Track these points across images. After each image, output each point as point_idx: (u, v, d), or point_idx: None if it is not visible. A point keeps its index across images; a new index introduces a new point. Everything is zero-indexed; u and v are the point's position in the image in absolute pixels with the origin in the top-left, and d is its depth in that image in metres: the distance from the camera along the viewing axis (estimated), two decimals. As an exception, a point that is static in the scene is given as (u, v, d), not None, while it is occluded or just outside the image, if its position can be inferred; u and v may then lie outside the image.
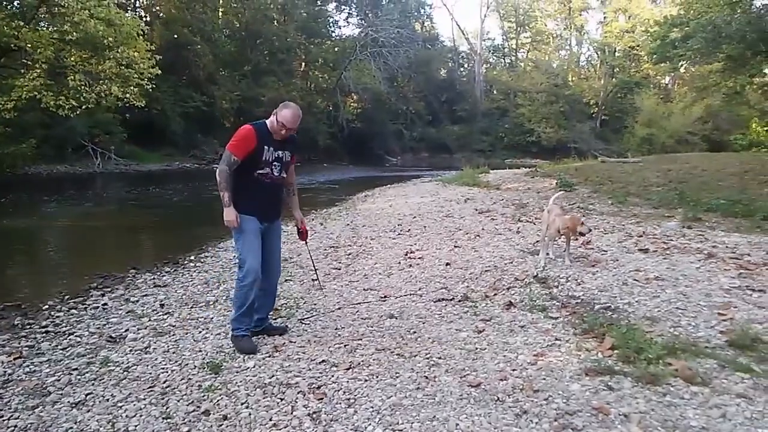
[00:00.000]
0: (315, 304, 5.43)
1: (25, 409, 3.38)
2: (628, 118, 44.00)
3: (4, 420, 3.25)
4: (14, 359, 4.19)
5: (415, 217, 10.94)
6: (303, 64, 45.54)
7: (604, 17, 55.05)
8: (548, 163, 27.31)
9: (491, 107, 56.29)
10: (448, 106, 55.77)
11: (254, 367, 3.92)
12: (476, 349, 4.08)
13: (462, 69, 63.46)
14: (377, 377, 3.66)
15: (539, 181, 16.77)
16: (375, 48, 41.89)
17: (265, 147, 4.20)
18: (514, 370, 3.67)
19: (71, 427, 3.16)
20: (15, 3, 20.06)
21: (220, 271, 7.10)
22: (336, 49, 46.32)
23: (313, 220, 11.74)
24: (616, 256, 6.52)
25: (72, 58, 19.02)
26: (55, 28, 18.88)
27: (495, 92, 59.65)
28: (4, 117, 16.83)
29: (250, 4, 38.51)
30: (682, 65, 23.57)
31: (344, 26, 55.33)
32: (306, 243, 4.85)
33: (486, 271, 6.31)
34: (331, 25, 49.47)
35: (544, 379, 3.52)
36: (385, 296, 5.61)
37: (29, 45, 17.58)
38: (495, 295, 5.41)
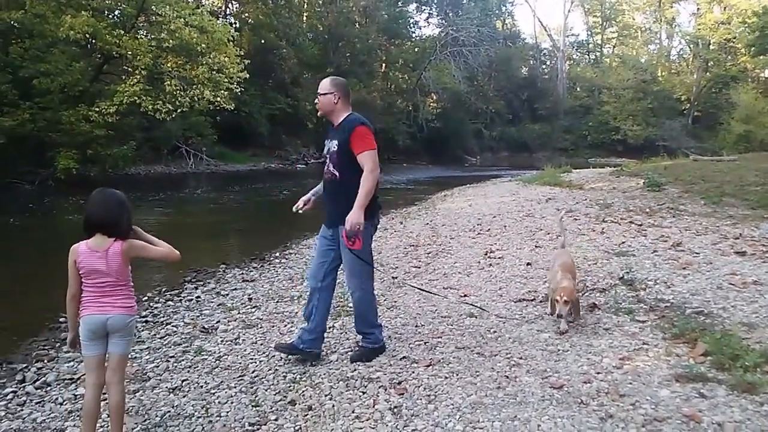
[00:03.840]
0: (395, 301, 5.50)
1: (127, 393, 3.63)
2: (724, 114, 41.43)
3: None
4: (118, 346, 4.51)
5: (494, 216, 10.83)
6: (383, 65, 45.93)
7: (698, 8, 52.33)
8: (635, 162, 26.18)
9: (574, 105, 54.76)
10: (528, 105, 54.76)
11: (337, 360, 4.03)
12: (558, 350, 4.02)
13: (544, 66, 62.13)
14: (457, 375, 3.68)
15: (625, 181, 16.12)
16: (455, 47, 41.67)
17: (326, 140, 3.98)
18: (598, 373, 3.59)
19: (169, 411, 3.38)
20: (116, 12, 21.43)
21: (303, 268, 7.31)
22: (416, 49, 46.44)
23: (393, 219, 11.88)
24: (709, 258, 6.21)
25: (168, 65, 20.22)
26: (152, 36, 20.09)
27: (578, 89, 57.95)
28: (107, 121, 18.03)
29: (333, 7, 39.32)
30: (784, 57, 22.01)
31: (424, 26, 55.41)
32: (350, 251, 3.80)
33: (569, 272, 6.17)
34: (411, 25, 49.66)
35: (631, 383, 3.43)
36: (465, 295, 5.61)
37: (129, 52, 18.76)
38: (578, 296, 5.28)
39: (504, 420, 3.06)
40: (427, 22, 54.34)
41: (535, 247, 7.69)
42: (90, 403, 2.87)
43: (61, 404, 3.55)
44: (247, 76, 21.50)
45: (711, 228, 8.09)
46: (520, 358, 3.92)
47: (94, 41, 19.66)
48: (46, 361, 4.34)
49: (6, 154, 16.40)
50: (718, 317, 4.41)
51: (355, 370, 3.84)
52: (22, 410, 3.50)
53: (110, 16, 21.10)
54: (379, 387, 3.56)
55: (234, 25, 30.69)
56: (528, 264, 6.70)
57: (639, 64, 53.29)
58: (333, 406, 3.35)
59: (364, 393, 3.49)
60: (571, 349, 4.03)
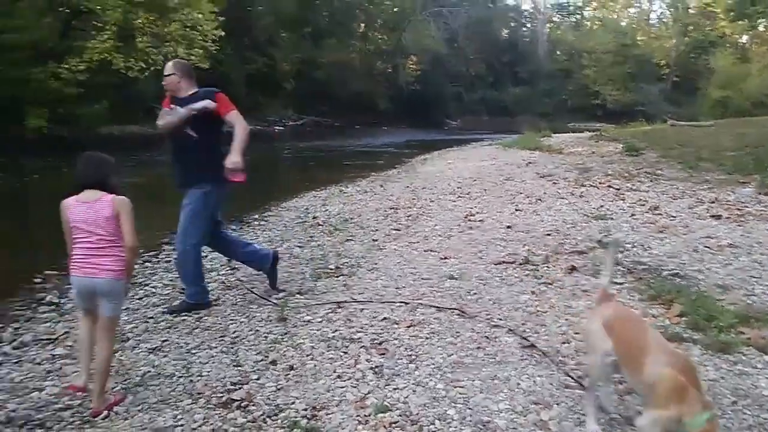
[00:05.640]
0: (376, 264, 5.50)
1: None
2: (702, 79, 41.71)
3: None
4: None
5: (475, 180, 10.85)
6: (362, 25, 45.13)
7: (679, -28, 51.97)
8: (614, 127, 26.35)
9: (554, 68, 54.56)
10: (509, 68, 54.42)
11: (318, 321, 4.03)
12: (537, 311, 4.07)
13: (525, 29, 61.52)
14: (438, 335, 3.71)
15: (604, 146, 16.25)
16: (435, 8, 41.06)
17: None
18: (576, 333, 3.64)
19: (149, 371, 3.36)
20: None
21: (283, 230, 7.27)
22: (395, 9, 45.65)
23: (373, 182, 11.85)
24: (686, 222, 6.31)
25: (139, 20, 19.50)
26: (122, -10, 19.38)
27: (559, 53, 57.65)
28: (78, 78, 17.49)
29: (311, -37, 38.30)
30: (761, 23, 22.08)
31: (405, -15, 54.38)
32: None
33: (547, 234, 6.24)
34: (390, -16, 48.63)
35: (608, 343, 3.48)
36: (446, 257, 5.63)
37: (99, 7, 18.09)
38: (557, 259, 5.34)
39: (484, 379, 3.10)
40: (407, -19, 53.28)
41: (516, 210, 7.73)
42: (83, 338, 3.06)
43: (39, 364, 3.50)
44: (222, 33, 20.94)
45: (688, 192, 8.20)
46: (500, 319, 3.96)
47: (61, -5, 18.94)
48: (22, 321, 4.27)
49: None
50: (694, 279, 4.49)
51: (336, 331, 3.84)
52: (-1, 370, 3.45)
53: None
54: (361, 347, 3.57)
55: (209, -19, 29.75)
56: (508, 227, 6.73)
57: (619, 27, 53.14)
58: (314, 365, 3.35)
59: (345, 353, 3.50)
60: (550, 310, 4.08)
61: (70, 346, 3.75)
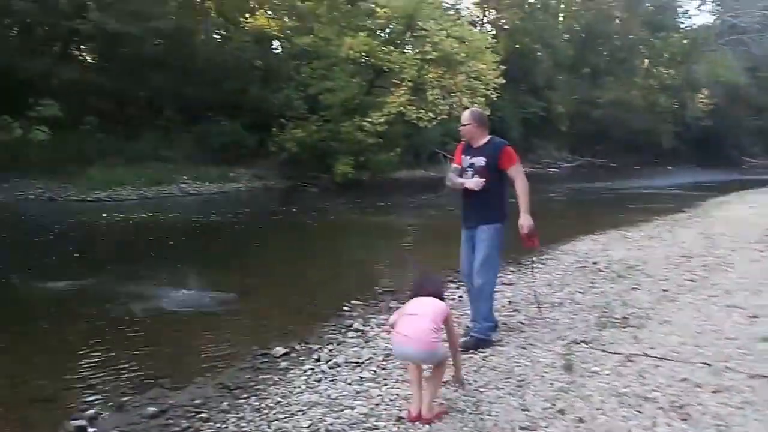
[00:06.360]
0: (669, 317, 5.09)
1: (405, 382, 3.94)
2: None
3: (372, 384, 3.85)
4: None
5: (788, 227, 9.37)
6: (646, 60, 42.57)
7: None
8: None
9: None
10: (831, 93, 45.71)
11: (607, 374, 3.87)
12: None
13: None
14: (753, 406, 3.27)
15: None
16: (733, 35, 36.90)
17: (464, 155, 4.71)
18: None
19: (442, 403, 3.54)
20: (387, 30, 23.39)
21: (562, 274, 7.17)
22: (685, 41, 42.13)
23: (659, 227, 11.02)
24: None
25: (430, 75, 21.40)
26: (417, 50, 21.50)
27: None
28: (377, 130, 19.87)
29: (591, 4, 37.71)
30: None
31: (695, 15, 50.20)
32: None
33: None
34: (679, 15, 45.18)
35: None
36: (755, 316, 4.95)
37: (397, 66, 20.43)
38: None
39: (820, 467, 2.65)
40: (699, 10, 49.31)
41: None
42: (412, 379, 3.51)
43: (350, 384, 3.96)
44: (503, 81, 21.73)
45: None
46: (837, 397, 3.34)
47: (367, 58, 21.68)
48: (335, 344, 4.91)
49: (297, 162, 19.28)
50: None
51: (627, 386, 3.64)
52: (318, 386, 3.99)
53: (381, 35, 23.08)
54: (657, 408, 3.32)
55: (491, 32, 31.24)
56: (843, 286, 5.65)
57: None
58: (606, 421, 3.22)
59: (640, 413, 3.29)
60: None
61: (374, 370, 4.19)
